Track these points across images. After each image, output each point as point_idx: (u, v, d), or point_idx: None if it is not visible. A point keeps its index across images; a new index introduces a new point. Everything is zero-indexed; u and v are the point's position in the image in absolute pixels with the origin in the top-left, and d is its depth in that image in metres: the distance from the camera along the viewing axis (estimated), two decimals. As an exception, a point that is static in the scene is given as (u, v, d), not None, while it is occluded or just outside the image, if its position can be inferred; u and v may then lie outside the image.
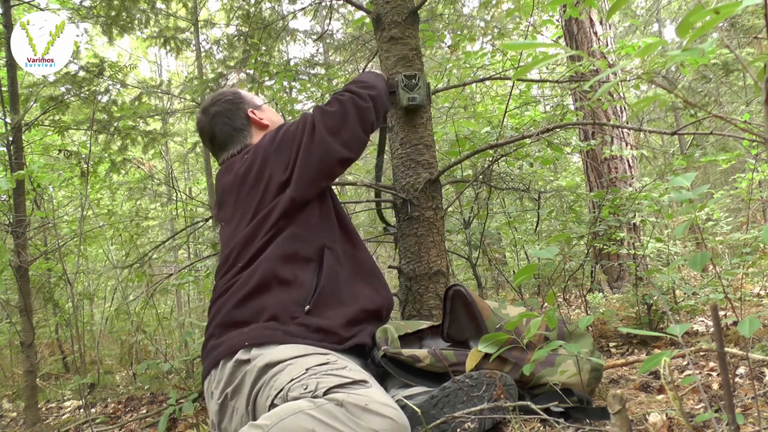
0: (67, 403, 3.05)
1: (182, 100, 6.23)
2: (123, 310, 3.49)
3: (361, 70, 3.68)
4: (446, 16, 4.66)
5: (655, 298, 2.14)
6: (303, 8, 4.71)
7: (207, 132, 1.65)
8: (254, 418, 1.19)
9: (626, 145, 3.95)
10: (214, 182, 1.72)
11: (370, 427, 1.03)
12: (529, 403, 1.22)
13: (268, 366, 1.20)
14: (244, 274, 1.38)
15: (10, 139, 2.71)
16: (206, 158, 5.43)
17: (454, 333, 1.54)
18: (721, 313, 2.28)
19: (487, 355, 1.34)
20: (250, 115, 1.63)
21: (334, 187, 1.79)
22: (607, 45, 4.28)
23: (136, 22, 4.20)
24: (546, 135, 2.25)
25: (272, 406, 1.12)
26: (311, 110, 1.56)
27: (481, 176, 2.66)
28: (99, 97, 3.72)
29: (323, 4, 4.79)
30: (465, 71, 3.32)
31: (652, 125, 8.07)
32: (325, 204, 1.50)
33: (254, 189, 1.46)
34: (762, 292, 2.77)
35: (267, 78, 3.19)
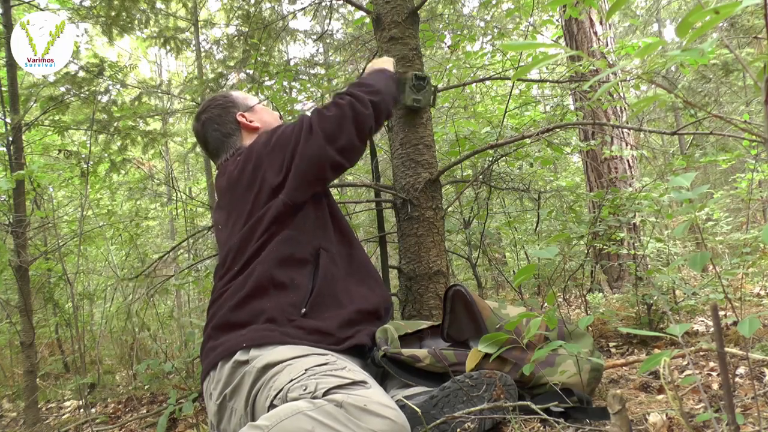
0: (67, 403, 3.05)
1: (182, 100, 6.23)
2: (123, 310, 3.49)
3: (360, 71, 3.67)
4: (446, 16, 4.66)
5: (655, 298, 2.14)
6: (303, 8, 4.70)
7: (201, 138, 1.68)
8: (253, 419, 1.19)
9: (626, 145, 3.95)
10: (214, 182, 1.74)
11: (369, 427, 1.03)
12: (529, 403, 1.22)
13: (267, 367, 1.20)
14: (241, 277, 1.38)
15: (10, 139, 2.71)
16: (206, 158, 5.43)
17: (454, 333, 1.54)
18: (721, 313, 2.28)
19: (487, 355, 1.34)
20: (239, 119, 1.62)
21: (334, 188, 1.79)
22: (607, 45, 4.27)
23: (136, 22, 4.20)
24: (546, 135, 2.25)
25: (271, 406, 1.12)
26: (309, 112, 1.55)
27: (481, 176, 2.66)
28: (99, 97, 3.71)
29: (323, 4, 4.79)
30: (465, 71, 3.32)
31: (652, 125, 8.07)
32: (319, 205, 1.49)
33: (247, 191, 1.45)
34: (762, 292, 2.77)
35: (267, 78, 3.19)
